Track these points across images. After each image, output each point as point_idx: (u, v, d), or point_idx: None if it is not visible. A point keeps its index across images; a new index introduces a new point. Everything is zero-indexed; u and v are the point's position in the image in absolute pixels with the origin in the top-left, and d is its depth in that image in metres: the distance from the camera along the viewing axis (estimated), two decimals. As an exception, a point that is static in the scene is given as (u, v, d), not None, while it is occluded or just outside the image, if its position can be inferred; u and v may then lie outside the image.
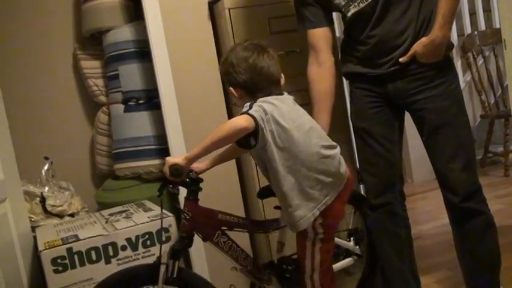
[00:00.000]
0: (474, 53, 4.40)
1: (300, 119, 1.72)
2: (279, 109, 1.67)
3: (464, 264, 2.09)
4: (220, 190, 2.58)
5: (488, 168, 4.39)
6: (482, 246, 2.02)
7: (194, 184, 1.78)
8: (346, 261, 2.20)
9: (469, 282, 2.10)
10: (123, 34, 2.92)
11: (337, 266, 2.16)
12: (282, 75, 1.79)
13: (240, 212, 2.65)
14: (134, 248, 2.11)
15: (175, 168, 1.68)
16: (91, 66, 3.15)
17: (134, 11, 3.00)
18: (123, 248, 2.09)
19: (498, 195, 3.54)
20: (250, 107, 1.65)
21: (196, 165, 1.85)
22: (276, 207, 2.02)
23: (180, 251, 1.73)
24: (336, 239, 2.08)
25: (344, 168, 1.81)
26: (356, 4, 1.96)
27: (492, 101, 4.43)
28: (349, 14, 2.00)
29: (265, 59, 1.71)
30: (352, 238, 2.24)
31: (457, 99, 2.01)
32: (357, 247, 2.24)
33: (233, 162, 2.72)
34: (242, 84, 1.72)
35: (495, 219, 2.05)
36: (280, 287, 1.96)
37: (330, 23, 2.13)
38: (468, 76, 4.51)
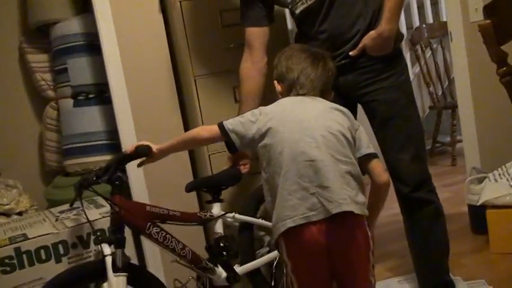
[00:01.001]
0: (422, 46, 4.50)
1: (299, 115, 1.57)
2: (282, 107, 1.63)
3: (415, 252, 2.15)
4: (172, 182, 2.56)
5: (436, 158, 4.51)
6: (431, 235, 2.07)
7: (118, 179, 1.79)
8: None
9: (419, 269, 2.16)
10: (71, 27, 2.86)
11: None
12: (333, 93, 1.73)
13: (194, 204, 2.63)
14: (85, 245, 2.07)
15: (142, 148, 1.77)
16: (38, 59, 3.07)
17: (82, 3, 2.93)
18: (74, 246, 2.05)
19: (446, 183, 3.64)
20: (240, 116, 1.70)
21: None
22: (207, 202, 2.10)
23: (120, 240, 1.73)
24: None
25: (355, 194, 1.50)
26: (304, 1, 1.98)
27: (440, 92, 4.55)
28: (298, 11, 2.02)
29: (319, 66, 1.67)
30: None
31: (406, 91, 2.05)
32: None
33: (186, 155, 2.70)
34: (288, 81, 1.67)
35: (443, 207, 2.11)
36: (225, 274, 1.98)
37: (270, 22, 2.14)
38: (417, 68, 4.61)
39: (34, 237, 2.00)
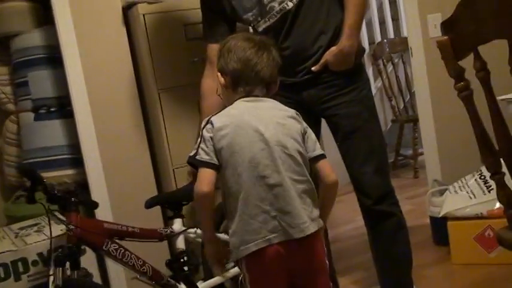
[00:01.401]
0: (384, 60, 4.59)
1: (256, 135, 1.52)
2: (235, 121, 1.54)
3: (379, 264, 2.17)
4: (136, 197, 2.53)
5: (399, 170, 4.58)
6: (394, 247, 2.10)
7: (72, 196, 1.80)
8: None
9: (383, 281, 2.18)
10: (32, 39, 2.81)
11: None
12: (278, 82, 1.67)
13: (159, 220, 2.60)
14: (47, 263, 2.02)
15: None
16: (-3, 72, 3.00)
17: (44, 15, 2.89)
18: (35, 263, 2.01)
19: (408, 196, 3.70)
20: (200, 140, 1.54)
21: None
22: (169, 218, 2.11)
23: (64, 258, 1.72)
24: None
25: (298, 211, 1.51)
26: (266, 19, 2.00)
27: (402, 106, 4.63)
28: (260, 29, 2.04)
29: (263, 57, 1.60)
30: None
31: (368, 105, 2.08)
32: None
33: (149, 165, 2.68)
34: (231, 72, 1.60)
35: (406, 219, 2.13)
36: None
37: None
38: (379, 82, 4.69)
39: (-8, 255, 1.94)
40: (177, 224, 2.11)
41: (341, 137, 2.06)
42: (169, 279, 1.93)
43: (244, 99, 1.60)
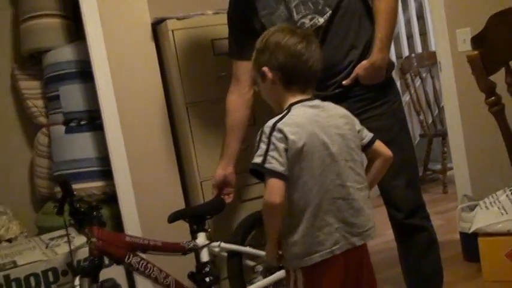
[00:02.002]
0: (412, 75, 4.56)
1: (325, 148, 1.51)
2: (305, 133, 1.49)
3: (409, 279, 2.14)
4: (164, 210, 2.55)
5: (427, 185, 4.52)
6: (425, 262, 2.06)
7: (94, 210, 1.84)
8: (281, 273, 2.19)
9: (412, 297, 2.15)
10: (63, 54, 2.87)
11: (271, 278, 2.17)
12: None
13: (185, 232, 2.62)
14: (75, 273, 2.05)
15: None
16: (30, 86, 3.07)
17: (75, 31, 2.95)
18: (64, 273, 2.04)
19: (438, 211, 3.64)
20: (267, 147, 1.45)
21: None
22: (192, 232, 2.11)
23: (90, 269, 1.76)
24: None
25: (366, 217, 1.57)
26: None
27: (430, 120, 4.59)
28: None
29: (313, 51, 1.57)
30: None
31: (399, 118, 2.07)
32: None
33: (177, 178, 2.70)
34: (283, 67, 1.54)
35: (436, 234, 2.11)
36: None
37: None
38: (407, 96, 4.66)
39: (24, 265, 1.98)
40: (201, 238, 2.11)
41: (372, 150, 2.05)
42: None
43: (304, 104, 1.56)
